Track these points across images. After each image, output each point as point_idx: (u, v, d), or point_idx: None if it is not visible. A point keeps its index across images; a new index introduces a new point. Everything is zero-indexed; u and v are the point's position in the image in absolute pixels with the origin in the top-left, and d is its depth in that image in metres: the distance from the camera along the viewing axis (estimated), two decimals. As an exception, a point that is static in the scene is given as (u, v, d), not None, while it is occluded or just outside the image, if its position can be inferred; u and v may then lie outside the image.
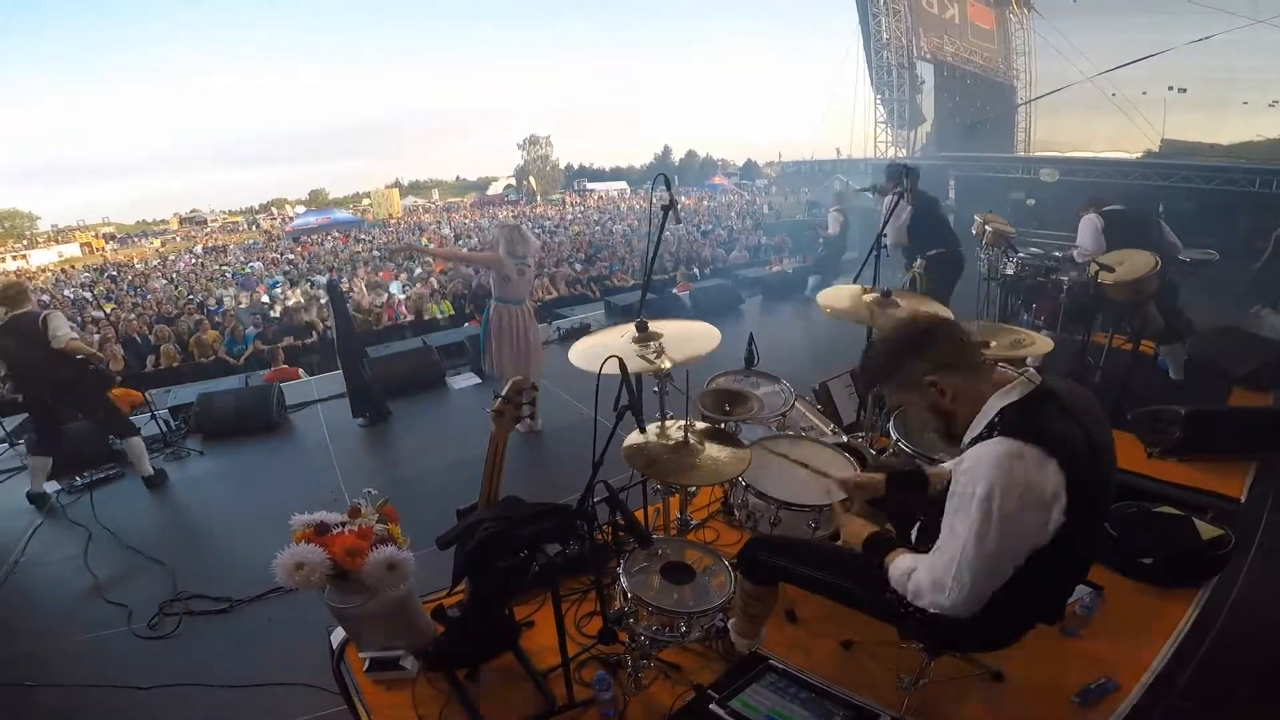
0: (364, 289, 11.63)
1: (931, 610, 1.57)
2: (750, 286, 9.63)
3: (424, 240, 22.18)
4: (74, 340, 4.20)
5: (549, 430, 5.01)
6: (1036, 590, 1.57)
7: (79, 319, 11.01)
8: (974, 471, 1.45)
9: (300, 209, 43.91)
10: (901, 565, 1.65)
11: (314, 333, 9.61)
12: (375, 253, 19.18)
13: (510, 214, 33.35)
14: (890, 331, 1.72)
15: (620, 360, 1.88)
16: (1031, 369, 1.59)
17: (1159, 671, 2.19)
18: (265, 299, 12.49)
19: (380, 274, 13.70)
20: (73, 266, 25.53)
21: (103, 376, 4.52)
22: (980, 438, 1.51)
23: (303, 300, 11.12)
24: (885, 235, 4.28)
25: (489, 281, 4.88)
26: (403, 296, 11.07)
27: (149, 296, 13.66)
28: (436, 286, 11.54)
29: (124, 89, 79.74)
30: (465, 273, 11.02)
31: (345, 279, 12.45)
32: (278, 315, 10.42)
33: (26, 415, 4.85)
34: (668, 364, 2.15)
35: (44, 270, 26.01)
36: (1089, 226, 4.52)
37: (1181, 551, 2.61)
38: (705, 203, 29.22)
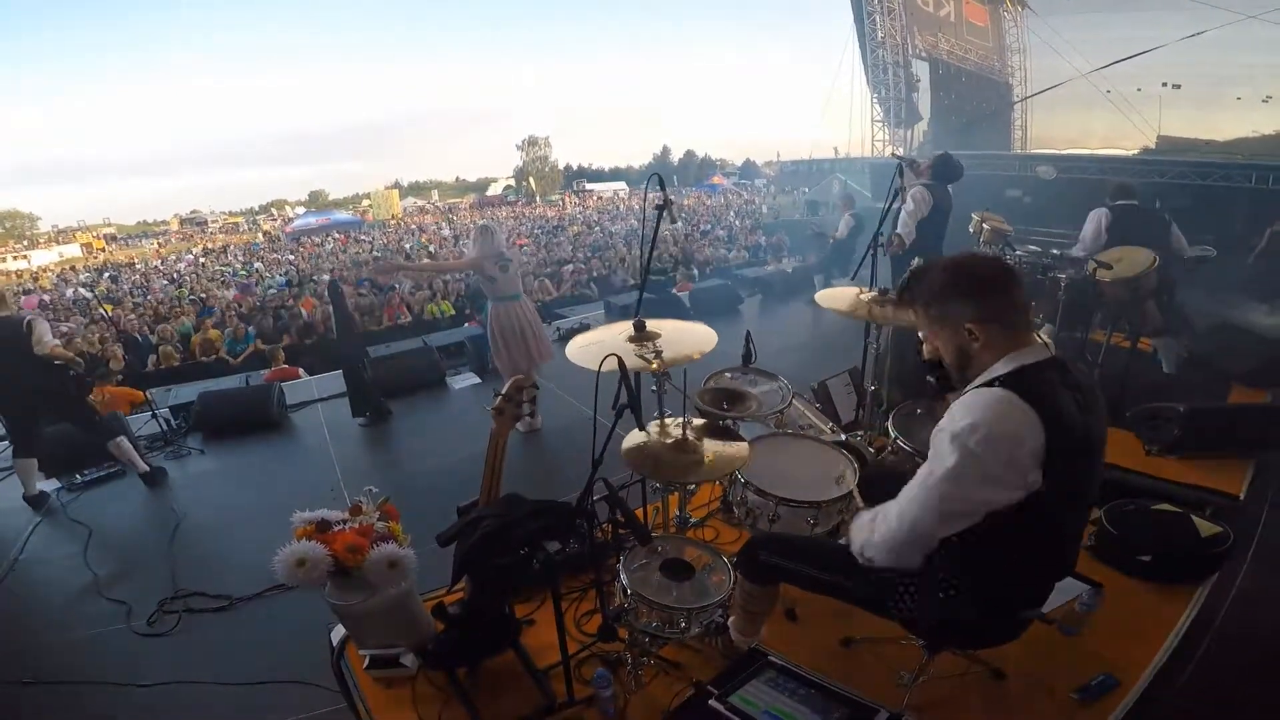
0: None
1: (856, 549, 1.65)
2: (749, 286, 9.64)
3: (423, 241, 22.22)
4: (56, 346, 4.21)
5: (549, 429, 5.01)
6: (1016, 574, 1.58)
7: (83, 319, 11.05)
8: (963, 408, 1.46)
9: (300, 210, 43.96)
10: (869, 513, 1.70)
11: (314, 333, 9.62)
12: (374, 254, 19.20)
13: (509, 214, 33.39)
14: (954, 263, 1.62)
15: (619, 358, 1.88)
16: (1050, 342, 1.59)
17: (1159, 668, 2.18)
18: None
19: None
20: (73, 268, 25.51)
21: (82, 382, 4.49)
22: (980, 387, 1.51)
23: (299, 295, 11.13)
24: (882, 231, 4.30)
25: (481, 285, 4.93)
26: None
27: (149, 297, 13.67)
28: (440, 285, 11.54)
29: (124, 90, 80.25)
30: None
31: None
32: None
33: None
34: (655, 365, 2.14)
35: (45, 270, 26.02)
36: (1093, 220, 4.57)
37: (1180, 549, 2.61)
38: (707, 202, 29.23)
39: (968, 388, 1.56)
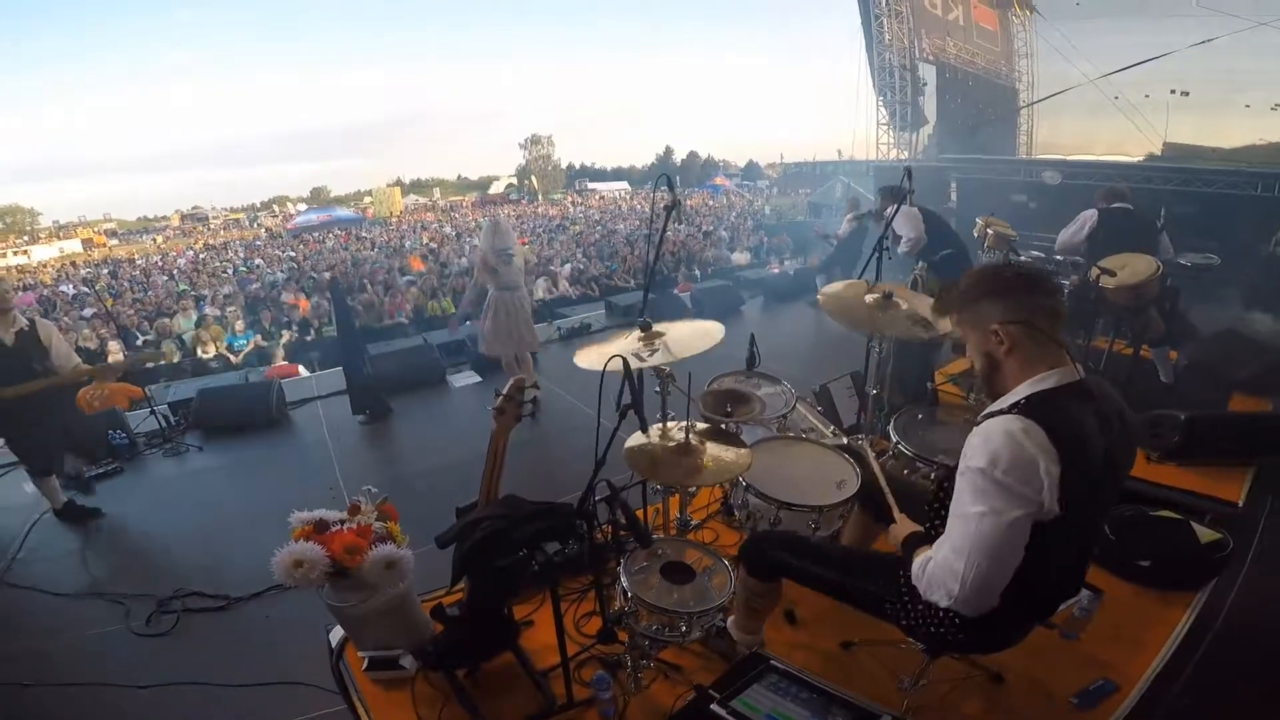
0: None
1: (944, 604, 1.52)
2: (751, 287, 9.64)
3: (424, 239, 22.19)
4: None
5: (550, 430, 5.00)
6: (1024, 585, 1.55)
7: (83, 315, 11.08)
8: (982, 445, 1.43)
9: (302, 207, 43.94)
10: (920, 558, 1.61)
11: (312, 329, 9.62)
12: (374, 249, 19.19)
13: (511, 211, 33.38)
14: (987, 267, 1.66)
15: (624, 359, 1.88)
16: (1078, 365, 1.54)
17: (1157, 673, 2.19)
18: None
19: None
20: (73, 264, 25.52)
21: None
22: (997, 413, 1.48)
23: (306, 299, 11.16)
24: (898, 242, 4.33)
25: (485, 281, 5.28)
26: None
27: (150, 293, 13.66)
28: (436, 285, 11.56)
29: (126, 86, 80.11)
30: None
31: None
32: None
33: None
34: (661, 357, 2.12)
35: (45, 266, 26.03)
36: (1078, 222, 4.61)
37: (1180, 555, 2.61)
38: (709, 203, 29.22)
39: (984, 413, 1.53)
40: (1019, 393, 1.49)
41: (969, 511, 1.45)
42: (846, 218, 8.89)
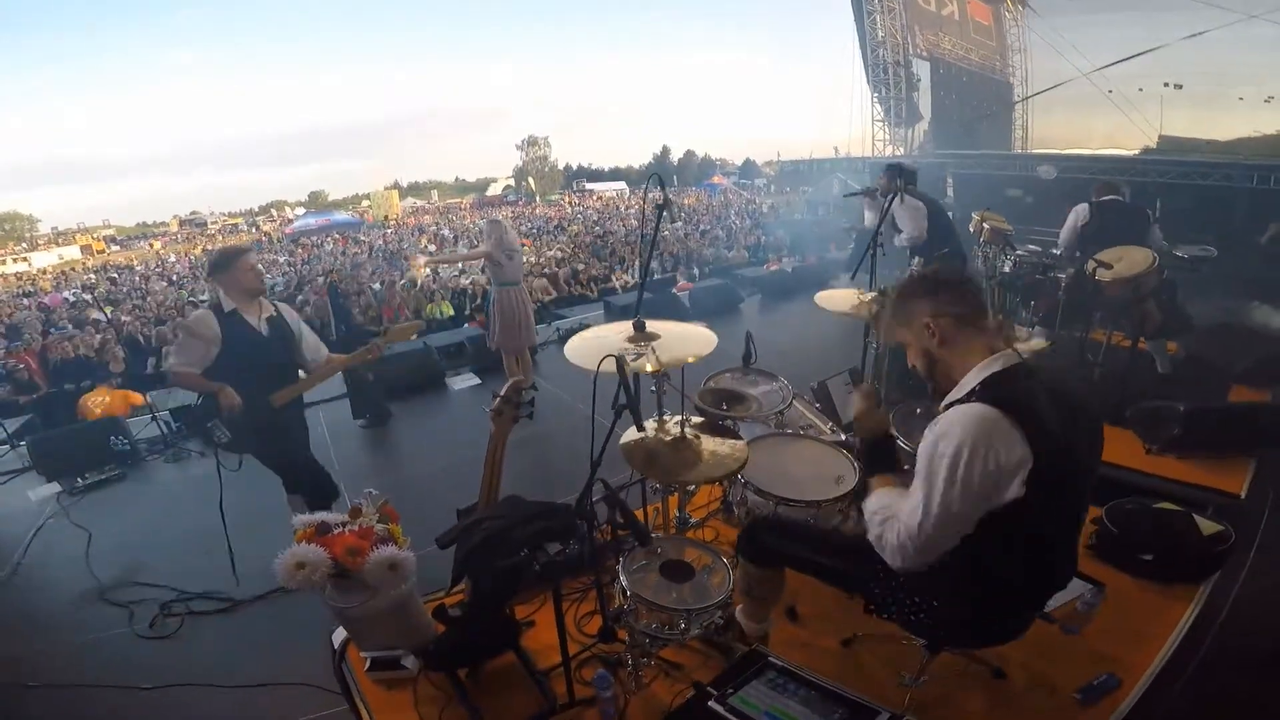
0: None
1: (894, 565, 1.65)
2: (749, 286, 9.63)
3: (422, 242, 22.23)
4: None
5: (548, 430, 5.00)
6: (1007, 571, 1.59)
7: (81, 319, 11.07)
8: (948, 432, 1.51)
9: (300, 211, 43.96)
10: (881, 504, 1.72)
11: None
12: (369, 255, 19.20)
13: (509, 213, 33.42)
14: (915, 273, 1.81)
15: (618, 359, 1.89)
16: (1017, 349, 1.64)
17: (1161, 668, 2.19)
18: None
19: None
20: (73, 269, 25.53)
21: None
22: (959, 402, 1.56)
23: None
24: (898, 234, 4.30)
25: (486, 274, 5.45)
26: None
27: (149, 299, 13.67)
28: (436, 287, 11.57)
29: (124, 91, 79.93)
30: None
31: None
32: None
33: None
34: (654, 367, 2.12)
35: (44, 273, 26.07)
36: (1071, 217, 4.63)
37: (1182, 547, 2.60)
38: (707, 201, 29.22)
39: (944, 402, 1.61)
40: (971, 380, 1.59)
41: (927, 493, 1.53)
42: (867, 202, 8.84)
